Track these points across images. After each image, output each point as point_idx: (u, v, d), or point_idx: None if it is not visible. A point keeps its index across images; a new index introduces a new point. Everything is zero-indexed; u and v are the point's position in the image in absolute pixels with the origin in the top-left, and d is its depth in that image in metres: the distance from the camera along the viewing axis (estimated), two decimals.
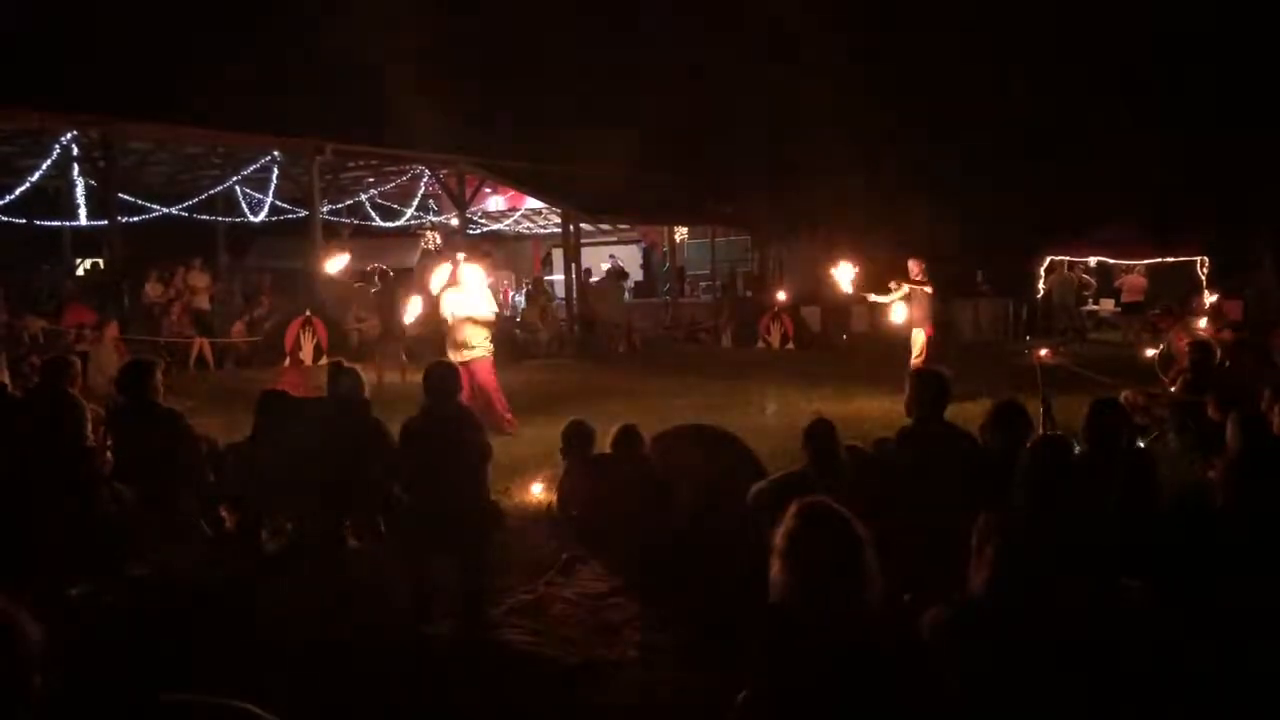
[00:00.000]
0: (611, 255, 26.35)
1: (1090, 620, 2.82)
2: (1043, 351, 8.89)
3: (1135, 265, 19.84)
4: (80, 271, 21.78)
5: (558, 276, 24.60)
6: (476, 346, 9.62)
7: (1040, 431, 6.28)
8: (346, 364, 6.32)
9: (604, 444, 6.16)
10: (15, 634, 1.83)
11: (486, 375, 9.73)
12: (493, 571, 5.37)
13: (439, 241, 25.48)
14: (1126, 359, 13.86)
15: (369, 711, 3.95)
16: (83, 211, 16.40)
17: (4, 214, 16.37)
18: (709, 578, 4.90)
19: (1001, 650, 2.68)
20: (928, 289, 11.59)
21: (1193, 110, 21.58)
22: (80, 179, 16.05)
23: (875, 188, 20.87)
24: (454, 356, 9.27)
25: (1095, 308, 21.22)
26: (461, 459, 5.43)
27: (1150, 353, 11.32)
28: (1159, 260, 19.46)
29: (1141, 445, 6.80)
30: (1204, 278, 19.12)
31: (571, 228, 21.00)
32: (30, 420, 6.05)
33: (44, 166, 15.33)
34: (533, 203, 23.41)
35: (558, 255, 24.90)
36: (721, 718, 2.83)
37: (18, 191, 15.91)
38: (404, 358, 14.22)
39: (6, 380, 10.02)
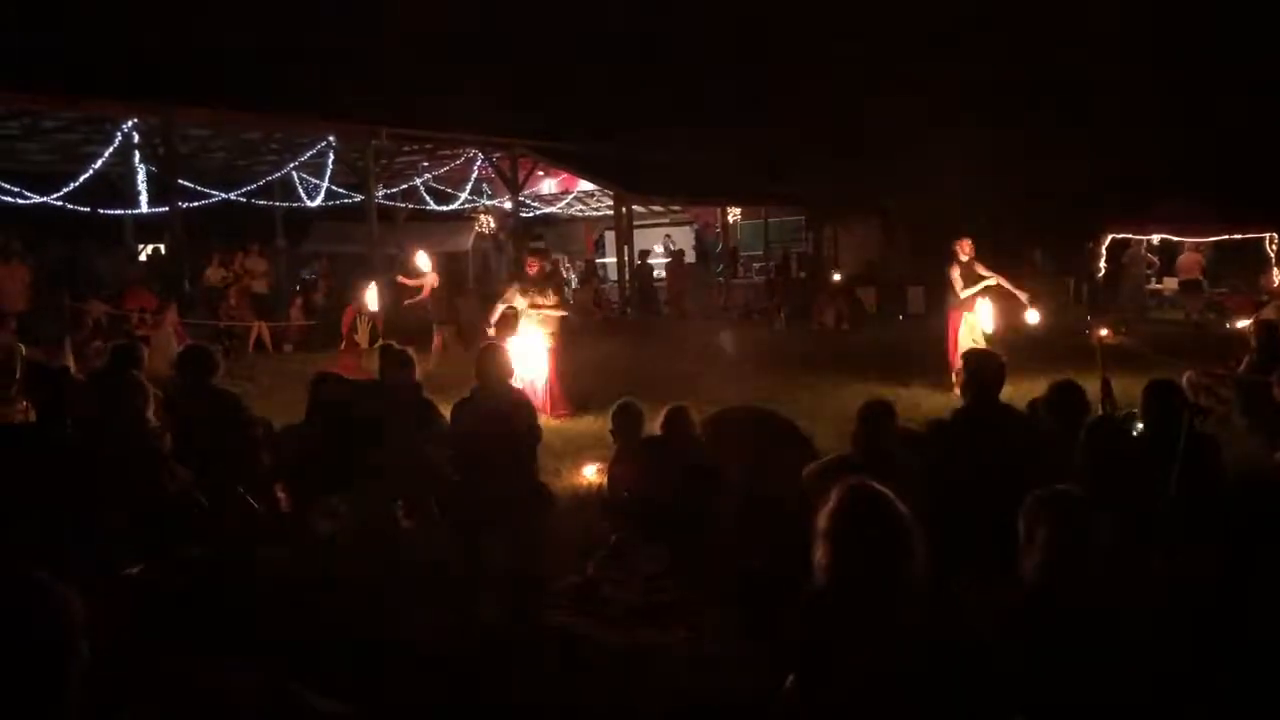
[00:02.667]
0: (667, 235, 26.31)
1: (1148, 604, 2.76)
2: (1102, 331, 8.73)
3: (1187, 243, 19.34)
4: (142, 257, 22.20)
5: (610, 259, 24.63)
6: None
7: (1099, 412, 6.16)
8: (397, 347, 6.37)
9: (654, 426, 6.14)
10: (59, 603, 1.88)
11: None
12: (543, 553, 5.38)
13: (492, 225, 25.63)
14: (1189, 338, 13.56)
15: (420, 692, 3.98)
16: (144, 198, 16.69)
17: (69, 201, 16.72)
18: (760, 560, 4.87)
19: (1056, 634, 2.63)
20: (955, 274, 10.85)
21: (1260, 79, 20.93)
22: (141, 166, 16.34)
23: (933, 167, 20.54)
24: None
25: (1158, 286, 20.75)
26: (512, 441, 5.45)
27: (1242, 323, 10.85)
28: (1226, 237, 18.95)
29: (1203, 426, 6.62)
30: (1274, 255, 18.60)
31: (624, 210, 20.97)
32: (94, 402, 6.18)
33: (106, 154, 15.64)
34: (585, 185, 23.41)
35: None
36: (774, 701, 2.81)
37: (81, 179, 16.24)
38: (449, 341, 14.33)
39: (71, 364, 10.28)
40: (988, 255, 11.23)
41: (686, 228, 26.97)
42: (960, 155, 19.89)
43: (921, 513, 2.64)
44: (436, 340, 14.01)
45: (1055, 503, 2.75)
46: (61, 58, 14.69)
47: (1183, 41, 21.80)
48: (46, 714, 1.84)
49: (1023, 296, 11.07)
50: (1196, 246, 19.26)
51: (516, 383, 7.61)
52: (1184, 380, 7.20)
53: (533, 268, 10.23)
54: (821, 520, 2.64)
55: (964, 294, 10.76)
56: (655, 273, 25.46)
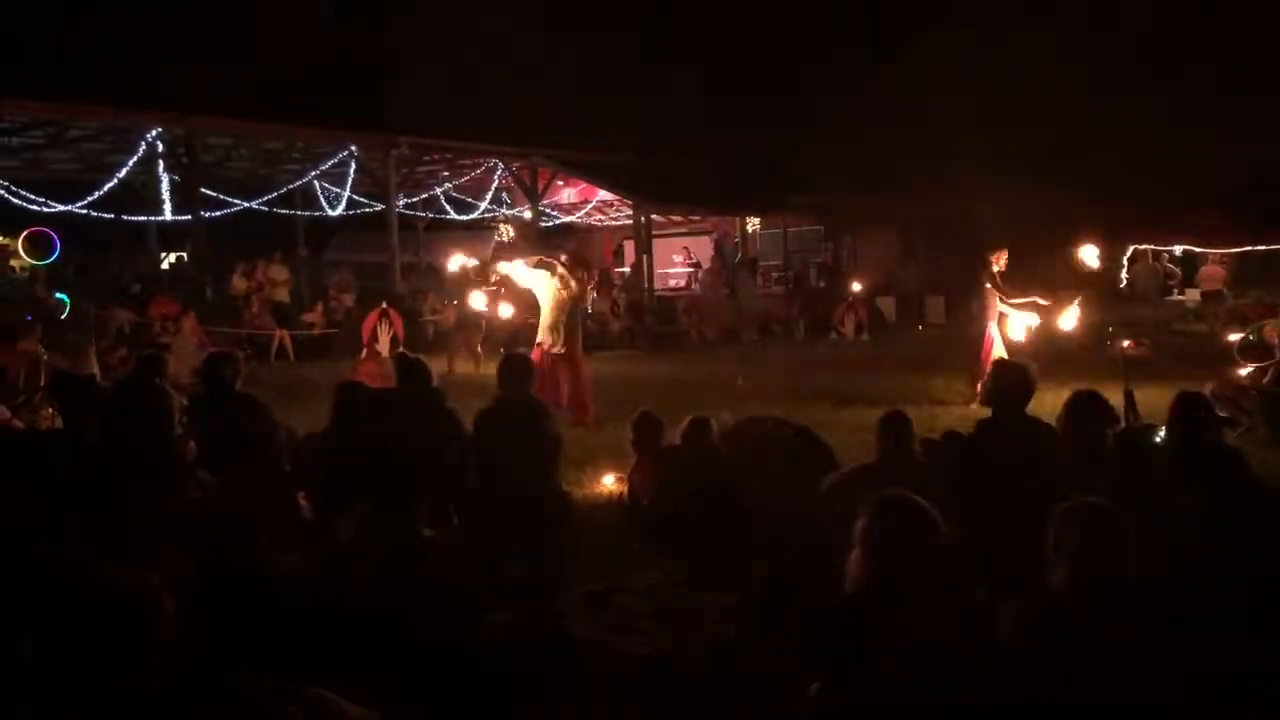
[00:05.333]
0: (685, 247, 26.28)
1: (1174, 617, 2.74)
2: (1125, 343, 8.70)
3: (1211, 254, 19.23)
4: (166, 265, 22.39)
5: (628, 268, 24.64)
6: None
7: (1123, 424, 6.14)
8: (411, 355, 6.41)
9: (674, 435, 6.15)
10: (151, 600, 2.01)
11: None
12: (563, 562, 5.39)
13: (512, 234, 25.74)
14: (1213, 350, 13.45)
15: (438, 699, 4.00)
16: (167, 206, 16.85)
17: (95, 209, 16.90)
18: (780, 570, 4.86)
19: (1081, 645, 2.62)
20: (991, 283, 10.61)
21: None
22: (165, 175, 16.50)
23: (955, 176, 20.46)
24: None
25: (1181, 298, 20.63)
26: (533, 449, 5.47)
27: (1233, 337, 10.77)
28: (1250, 249, 18.82)
29: (1230, 438, 6.58)
30: None
31: (643, 219, 20.99)
32: (119, 410, 6.24)
33: (130, 163, 15.79)
34: (604, 194, 23.46)
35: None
36: (793, 710, 2.81)
37: (106, 187, 16.41)
38: (479, 348, 14.43)
39: (96, 371, 10.37)
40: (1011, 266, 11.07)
41: (705, 238, 26.97)
42: (980, 165, 19.82)
43: (948, 522, 2.66)
44: (446, 364, 14.12)
45: (1085, 513, 2.75)
46: (86, 68, 14.87)
47: (1208, 50, 21.67)
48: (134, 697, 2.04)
49: (1042, 301, 10.84)
50: (1220, 258, 19.15)
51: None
52: (1207, 392, 7.16)
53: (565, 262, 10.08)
54: (858, 530, 2.67)
55: (1004, 305, 10.43)
56: (671, 282, 25.50)
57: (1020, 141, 20.38)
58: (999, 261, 10.63)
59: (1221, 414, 6.95)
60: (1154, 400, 7.70)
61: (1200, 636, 2.75)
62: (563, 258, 10.09)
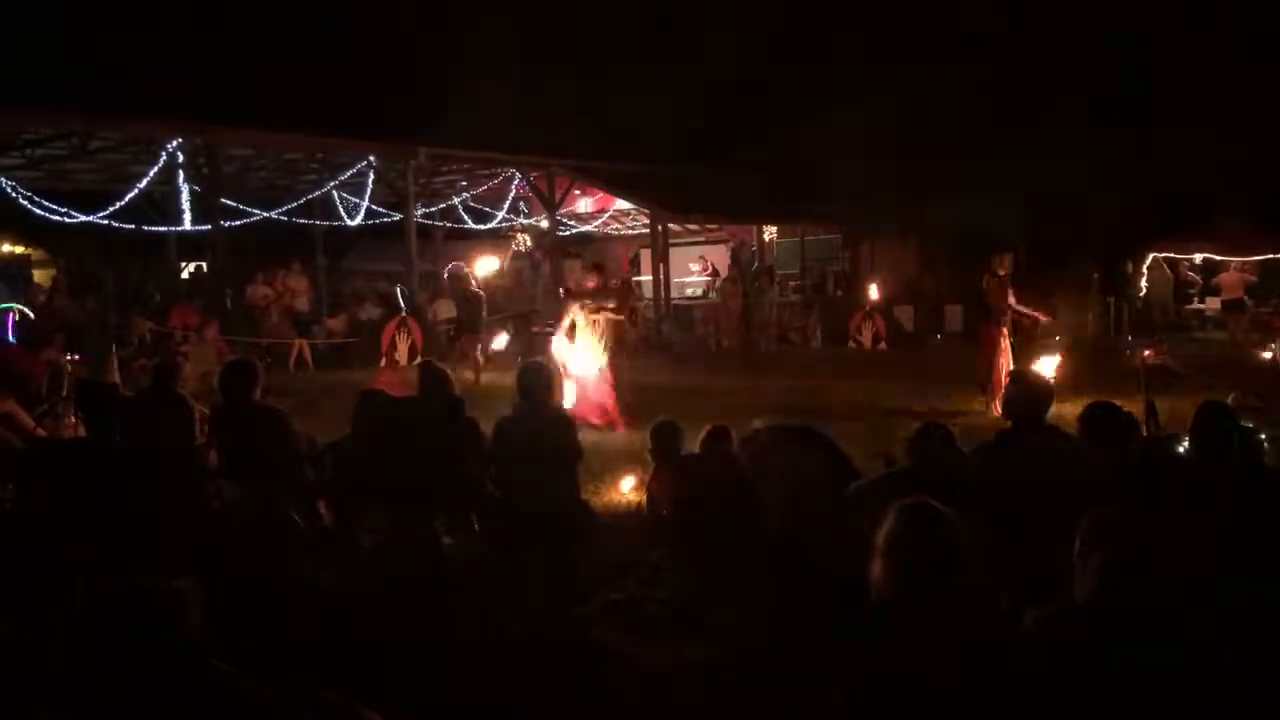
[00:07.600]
0: (702, 256, 26.26)
1: (1198, 626, 2.73)
2: (1146, 352, 8.66)
3: (1230, 262, 19.06)
4: (186, 274, 22.52)
5: (645, 277, 24.66)
6: None
7: (1145, 434, 6.10)
8: (435, 364, 6.43)
9: (693, 444, 6.14)
10: (183, 612, 2.04)
11: None
12: (583, 570, 5.39)
13: (529, 243, 25.79)
14: (1235, 359, 13.36)
15: (459, 707, 4.00)
16: (187, 216, 16.96)
17: (115, 219, 17.02)
18: (801, 578, 4.85)
19: (1107, 654, 2.61)
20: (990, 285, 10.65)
21: None
22: (185, 185, 16.61)
23: (971, 184, 20.39)
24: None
25: (1201, 306, 20.46)
26: (553, 458, 5.48)
27: (1268, 355, 10.68)
28: (1271, 256, 18.67)
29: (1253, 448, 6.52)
30: None
31: (659, 228, 21.00)
32: (140, 419, 6.29)
33: (151, 173, 15.91)
34: (621, 204, 23.48)
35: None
36: (815, 717, 2.81)
37: (127, 198, 16.53)
38: (480, 357, 14.44)
39: (118, 380, 10.45)
40: (1032, 272, 11.06)
41: (721, 246, 26.96)
42: (999, 172, 19.74)
43: (971, 531, 2.66)
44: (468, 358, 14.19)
45: (1109, 524, 2.74)
46: (108, 79, 15.00)
47: (1229, 54, 21.52)
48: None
49: (1042, 319, 10.95)
50: (1241, 265, 18.99)
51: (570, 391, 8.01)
52: (1230, 401, 7.10)
53: (591, 281, 10.64)
54: (879, 537, 2.68)
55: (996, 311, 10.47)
56: (688, 291, 25.47)
57: (1036, 145, 20.30)
58: (1002, 267, 10.61)
59: (1246, 424, 6.91)
60: (1175, 410, 7.66)
61: (1225, 647, 2.74)
62: (585, 301, 10.33)
